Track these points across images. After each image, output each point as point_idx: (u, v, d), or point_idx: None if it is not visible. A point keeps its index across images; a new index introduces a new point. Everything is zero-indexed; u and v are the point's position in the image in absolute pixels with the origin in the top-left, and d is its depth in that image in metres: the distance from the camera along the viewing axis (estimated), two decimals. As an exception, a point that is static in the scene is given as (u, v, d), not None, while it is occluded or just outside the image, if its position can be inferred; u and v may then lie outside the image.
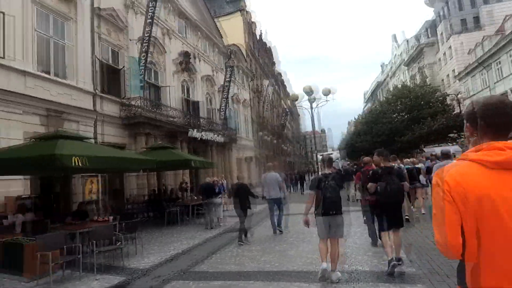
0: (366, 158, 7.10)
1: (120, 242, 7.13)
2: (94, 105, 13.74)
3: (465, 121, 1.46)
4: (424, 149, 25.58)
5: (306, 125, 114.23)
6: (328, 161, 5.39)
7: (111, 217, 8.77)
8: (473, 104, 1.41)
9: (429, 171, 9.78)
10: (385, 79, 68.48)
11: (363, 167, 6.96)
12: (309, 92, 14.98)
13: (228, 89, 26.56)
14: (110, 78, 15.34)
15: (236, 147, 30.35)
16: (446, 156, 7.20)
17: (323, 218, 4.84)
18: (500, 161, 1.24)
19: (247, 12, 39.93)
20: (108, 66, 15.16)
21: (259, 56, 45.05)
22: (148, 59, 18.41)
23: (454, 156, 8.05)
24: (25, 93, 10.70)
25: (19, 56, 10.65)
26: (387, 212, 5.04)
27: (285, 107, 63.34)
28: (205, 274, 5.89)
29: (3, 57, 10.03)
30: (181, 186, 15.58)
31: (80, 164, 6.17)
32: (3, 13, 10.08)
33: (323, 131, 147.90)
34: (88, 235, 6.83)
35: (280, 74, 65.00)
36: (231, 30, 36.21)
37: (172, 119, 18.45)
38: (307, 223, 5.06)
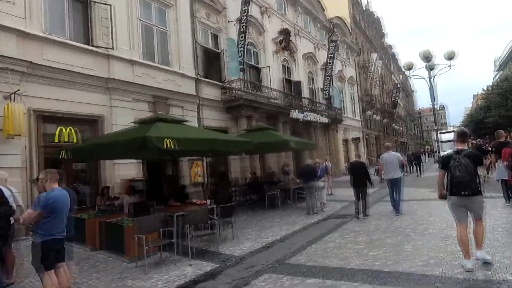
0: None
1: (215, 227, 6.86)
2: (197, 89, 13.88)
3: None
4: None
5: (420, 102, 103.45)
6: (461, 136, 4.64)
7: (209, 200, 8.53)
8: None
9: None
10: (527, 39, 55.18)
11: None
12: (427, 57, 12.33)
13: (332, 66, 24.66)
14: (210, 62, 15.39)
15: (342, 127, 28.36)
16: None
17: (455, 198, 4.28)
18: None
19: (350, -20, 36.51)
20: (208, 50, 15.19)
21: (365, 28, 41.16)
22: (247, 40, 18.02)
23: None
24: (134, 81, 11.20)
25: (126, 46, 11.15)
26: None
27: (396, 82, 57.29)
28: (302, 267, 5.12)
29: (113, 48, 10.61)
30: (283, 169, 14.88)
31: (172, 146, 5.86)
32: (110, 6, 10.62)
33: (442, 107, 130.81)
34: (184, 218, 6.58)
35: (390, 46, 58.84)
36: (334, 1, 33.64)
37: (273, 100, 17.81)
38: (442, 197, 4.52)
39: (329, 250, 5.86)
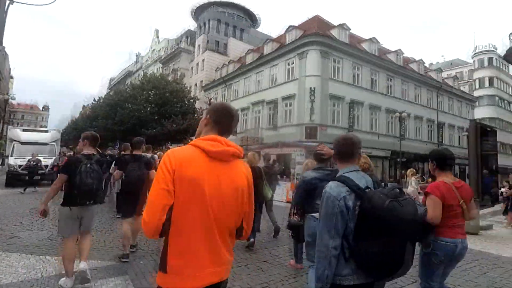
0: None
1: None
2: None
3: (206, 114, 1.63)
4: (170, 146, 21.65)
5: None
6: (93, 139, 3.89)
7: None
8: (215, 103, 1.71)
9: None
10: (137, 70, 62.23)
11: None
12: None
13: None
14: None
15: None
16: None
17: (76, 209, 3.57)
18: (217, 151, 1.43)
19: None
20: None
21: None
22: None
23: None
24: None
25: None
26: (129, 199, 4.76)
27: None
28: None
29: None
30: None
31: None
32: None
33: (47, 108, 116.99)
34: None
35: None
36: None
37: None
38: (44, 214, 3.47)
39: None
